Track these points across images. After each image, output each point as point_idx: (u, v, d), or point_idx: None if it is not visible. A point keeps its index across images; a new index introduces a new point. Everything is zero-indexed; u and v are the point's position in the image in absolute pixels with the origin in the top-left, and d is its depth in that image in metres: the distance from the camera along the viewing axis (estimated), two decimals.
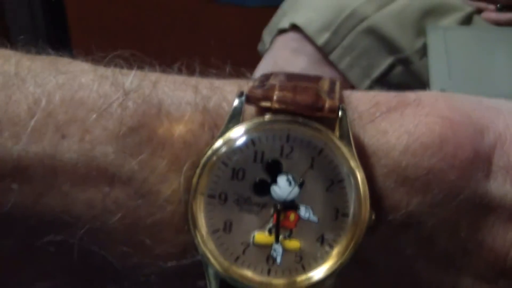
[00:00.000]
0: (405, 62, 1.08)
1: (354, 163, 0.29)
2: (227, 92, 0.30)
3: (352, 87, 1.08)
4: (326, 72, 1.07)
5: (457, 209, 0.30)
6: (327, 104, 0.29)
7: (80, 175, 0.28)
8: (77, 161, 0.28)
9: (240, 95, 0.29)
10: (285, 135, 0.29)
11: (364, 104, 0.31)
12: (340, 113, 0.29)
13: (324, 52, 1.06)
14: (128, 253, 0.29)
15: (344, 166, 0.29)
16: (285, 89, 0.29)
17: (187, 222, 0.29)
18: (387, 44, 1.07)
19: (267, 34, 1.14)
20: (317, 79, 0.31)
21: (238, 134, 0.29)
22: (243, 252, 0.29)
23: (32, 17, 1.87)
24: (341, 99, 0.30)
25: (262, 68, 1.10)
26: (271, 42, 1.11)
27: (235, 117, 0.29)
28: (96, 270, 0.29)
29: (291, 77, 0.31)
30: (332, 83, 0.31)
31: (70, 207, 0.28)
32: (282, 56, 1.08)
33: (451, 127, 0.30)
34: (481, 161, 0.30)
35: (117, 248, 0.29)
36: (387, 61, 1.07)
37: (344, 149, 0.29)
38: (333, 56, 1.06)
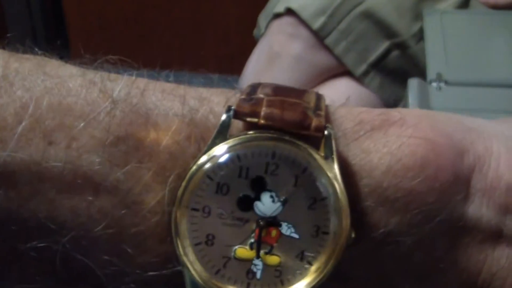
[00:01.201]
0: (401, 46, 1.07)
1: (337, 183, 0.29)
2: (214, 103, 0.31)
3: (348, 71, 1.07)
4: (322, 57, 1.07)
5: (434, 230, 0.30)
6: (314, 123, 0.29)
7: (66, 183, 0.28)
8: (63, 168, 0.28)
9: (228, 110, 0.29)
10: (270, 152, 0.29)
11: (348, 122, 0.31)
12: (326, 132, 0.30)
13: (319, 37, 1.05)
14: (110, 261, 0.29)
15: (327, 185, 0.29)
16: (273, 105, 0.30)
17: (170, 233, 0.29)
18: (383, 28, 1.06)
19: (262, 19, 1.13)
20: (303, 93, 0.31)
21: (222, 151, 0.29)
22: (224, 265, 0.30)
23: (31, 19, 1.86)
24: (327, 117, 0.31)
25: (257, 53, 1.10)
26: (267, 26, 1.10)
27: (222, 132, 0.29)
28: (78, 276, 0.30)
29: (278, 90, 0.31)
30: (318, 99, 0.31)
31: (55, 214, 0.28)
32: (277, 41, 1.07)
33: (433, 149, 0.31)
34: (460, 184, 0.31)
35: (99, 256, 0.29)
36: (384, 45, 1.07)
37: (328, 169, 0.29)
38: (328, 41, 1.05)
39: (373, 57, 1.07)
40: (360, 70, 1.06)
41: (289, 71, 1.08)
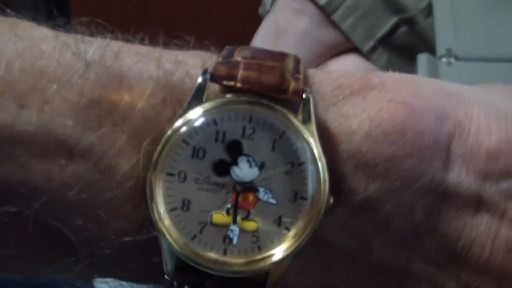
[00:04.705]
0: (409, 22, 1.06)
1: (315, 148, 0.29)
2: (190, 66, 0.30)
3: (355, 48, 1.06)
4: (329, 33, 1.05)
5: (413, 196, 0.30)
6: (292, 86, 0.29)
7: (38, 147, 0.28)
8: (36, 132, 0.28)
9: (204, 72, 0.29)
10: (247, 116, 0.29)
11: (327, 86, 0.31)
12: (304, 96, 0.29)
13: (326, 12, 1.04)
14: (84, 226, 0.29)
15: (305, 150, 0.29)
16: (250, 68, 0.29)
17: (144, 198, 0.29)
18: (391, 4, 1.05)
19: None
20: (282, 56, 0.31)
21: (198, 114, 0.28)
22: (200, 231, 0.29)
23: None
24: (306, 81, 0.30)
25: (263, 31, 1.09)
26: (272, 3, 1.09)
27: (198, 95, 0.29)
28: (51, 241, 0.29)
29: (256, 53, 0.31)
30: (297, 62, 0.31)
31: (27, 179, 0.28)
32: (283, 18, 1.06)
33: (413, 114, 0.30)
34: (439, 150, 0.31)
35: (73, 221, 0.29)
36: (391, 21, 1.05)
37: (306, 133, 0.29)
38: (335, 16, 1.04)
39: (380, 33, 1.05)
40: (367, 46, 1.05)
41: (295, 47, 1.06)
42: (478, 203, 0.31)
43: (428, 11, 1.04)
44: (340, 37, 1.05)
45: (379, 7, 1.05)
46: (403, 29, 1.06)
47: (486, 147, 0.31)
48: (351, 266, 0.32)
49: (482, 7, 0.99)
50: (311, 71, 0.32)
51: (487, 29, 0.94)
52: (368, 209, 0.30)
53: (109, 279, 0.36)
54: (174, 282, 0.30)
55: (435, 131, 0.30)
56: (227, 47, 0.31)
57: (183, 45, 0.32)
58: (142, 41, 0.31)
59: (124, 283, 0.35)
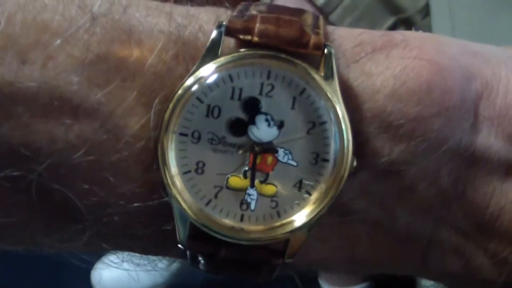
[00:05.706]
0: (407, 22, 1.05)
1: (338, 106, 0.27)
2: (204, 21, 0.28)
3: None
4: None
5: (439, 159, 0.28)
6: (312, 40, 0.27)
7: (41, 105, 0.26)
8: (39, 89, 0.26)
9: (219, 26, 0.27)
10: (265, 72, 0.27)
11: (348, 42, 0.29)
12: (325, 50, 0.27)
13: (324, 13, 1.03)
14: (90, 191, 0.27)
15: (327, 108, 0.27)
16: (267, 22, 0.27)
17: (155, 160, 0.27)
18: (388, 4, 1.04)
19: None
20: (300, 12, 0.29)
21: (210, 71, 0.27)
22: (215, 195, 0.27)
23: None
24: (326, 36, 0.28)
25: None
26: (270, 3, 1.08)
27: (212, 50, 0.27)
28: (56, 208, 0.27)
29: (273, 8, 0.29)
30: (316, 18, 0.29)
31: (29, 140, 0.26)
32: None
33: (439, 72, 0.28)
34: (467, 111, 0.29)
35: (78, 186, 0.27)
36: (389, 21, 1.05)
37: (328, 90, 0.27)
38: (333, 17, 1.03)
39: None
40: None
41: None
42: (507, 169, 0.30)
43: (426, 11, 1.03)
44: None
45: (376, 7, 1.04)
46: (400, 29, 1.05)
47: None
48: (373, 235, 0.30)
49: (479, 8, 0.98)
50: (330, 28, 0.30)
51: (484, 30, 0.93)
52: (392, 173, 0.28)
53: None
54: (188, 251, 0.28)
55: (462, 90, 0.29)
56: (242, 2, 0.29)
57: (195, 0, 0.30)
58: None
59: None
